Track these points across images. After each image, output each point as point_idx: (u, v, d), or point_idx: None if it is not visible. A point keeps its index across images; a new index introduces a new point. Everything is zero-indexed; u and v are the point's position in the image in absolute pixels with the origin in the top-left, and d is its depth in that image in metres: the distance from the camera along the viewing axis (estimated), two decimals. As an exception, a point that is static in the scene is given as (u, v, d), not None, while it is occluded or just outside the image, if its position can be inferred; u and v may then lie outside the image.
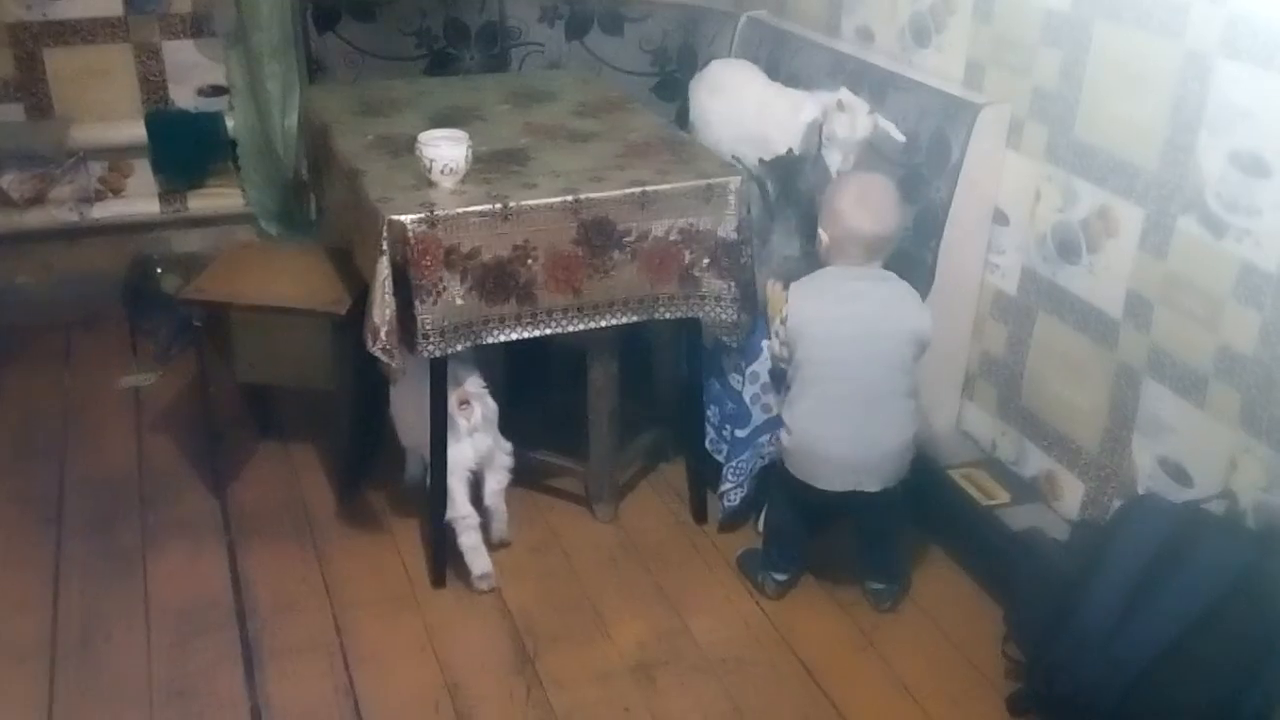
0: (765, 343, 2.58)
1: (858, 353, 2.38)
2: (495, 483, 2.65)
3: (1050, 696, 2.22)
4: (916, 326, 2.41)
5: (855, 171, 2.54)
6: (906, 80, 2.79)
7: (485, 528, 2.64)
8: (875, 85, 2.86)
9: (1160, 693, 2.01)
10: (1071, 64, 2.39)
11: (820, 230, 2.48)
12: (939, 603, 2.58)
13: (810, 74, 2.85)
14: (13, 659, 2.41)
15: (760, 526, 2.73)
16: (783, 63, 3.07)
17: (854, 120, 2.59)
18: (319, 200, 3.22)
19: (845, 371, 2.38)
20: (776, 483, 2.57)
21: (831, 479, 2.41)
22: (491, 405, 2.56)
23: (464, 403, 2.51)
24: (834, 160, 2.61)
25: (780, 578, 2.60)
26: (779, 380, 2.64)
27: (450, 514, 2.56)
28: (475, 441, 2.55)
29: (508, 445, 2.65)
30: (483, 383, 2.55)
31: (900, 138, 2.62)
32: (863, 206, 2.41)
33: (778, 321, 2.47)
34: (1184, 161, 2.15)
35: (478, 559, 2.58)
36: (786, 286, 2.50)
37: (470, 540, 2.58)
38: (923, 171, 2.69)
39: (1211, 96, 2.08)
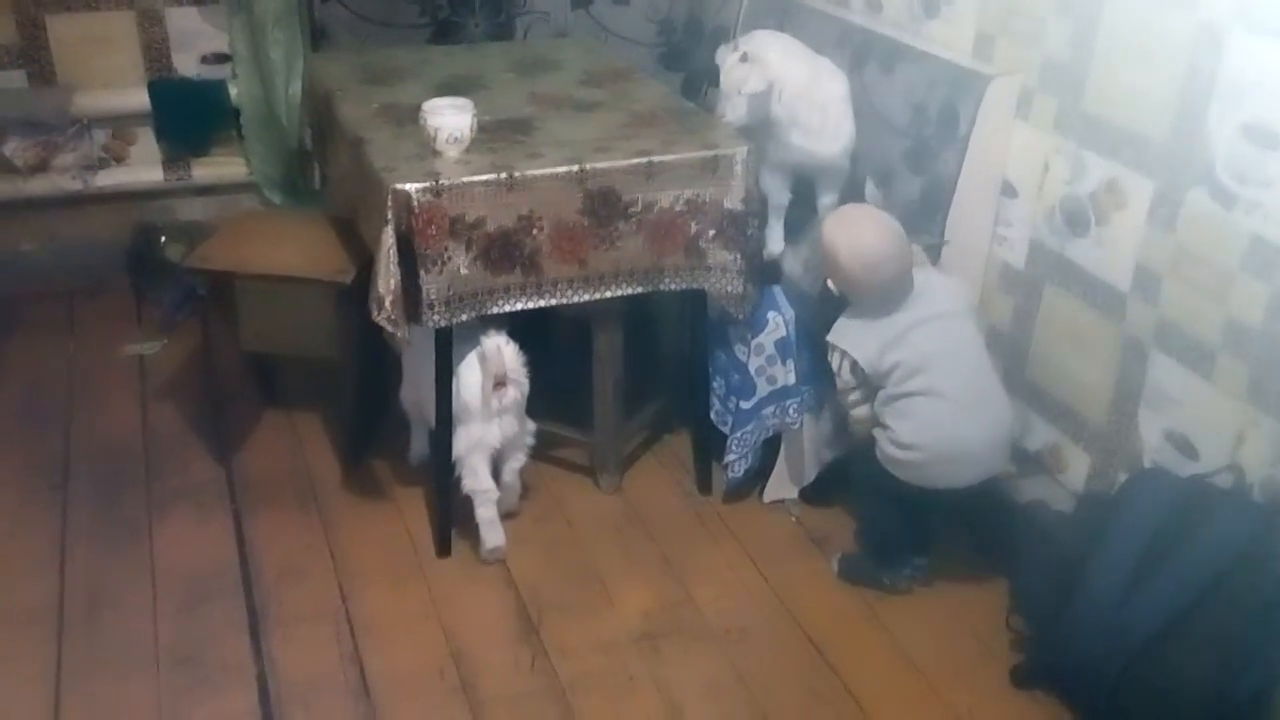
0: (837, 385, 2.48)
1: (945, 347, 2.34)
2: (515, 461, 2.65)
3: (1054, 669, 2.24)
4: (966, 298, 2.43)
5: (842, 217, 2.44)
6: (915, 51, 2.77)
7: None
8: (884, 56, 2.84)
9: (1164, 665, 2.02)
10: (1082, 34, 2.37)
11: (829, 283, 2.42)
12: (943, 575, 2.58)
13: (818, 45, 2.82)
14: (20, 625, 2.42)
15: (858, 536, 2.67)
16: (790, 33, 3.04)
17: (747, 76, 2.53)
18: (323, 169, 3.21)
19: (946, 369, 2.32)
20: (886, 499, 2.45)
21: (968, 474, 2.36)
22: (525, 388, 2.54)
23: (500, 384, 2.50)
24: (721, 107, 2.60)
25: (907, 572, 2.54)
26: (785, 351, 2.64)
27: (470, 486, 2.55)
28: (503, 424, 2.54)
29: (532, 426, 2.65)
30: (524, 365, 2.52)
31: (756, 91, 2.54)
32: (871, 272, 2.32)
33: (846, 375, 2.40)
34: (1194, 133, 2.14)
35: (492, 533, 2.58)
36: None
37: (488, 514, 2.58)
38: (931, 143, 2.67)
39: (1223, 68, 2.06)
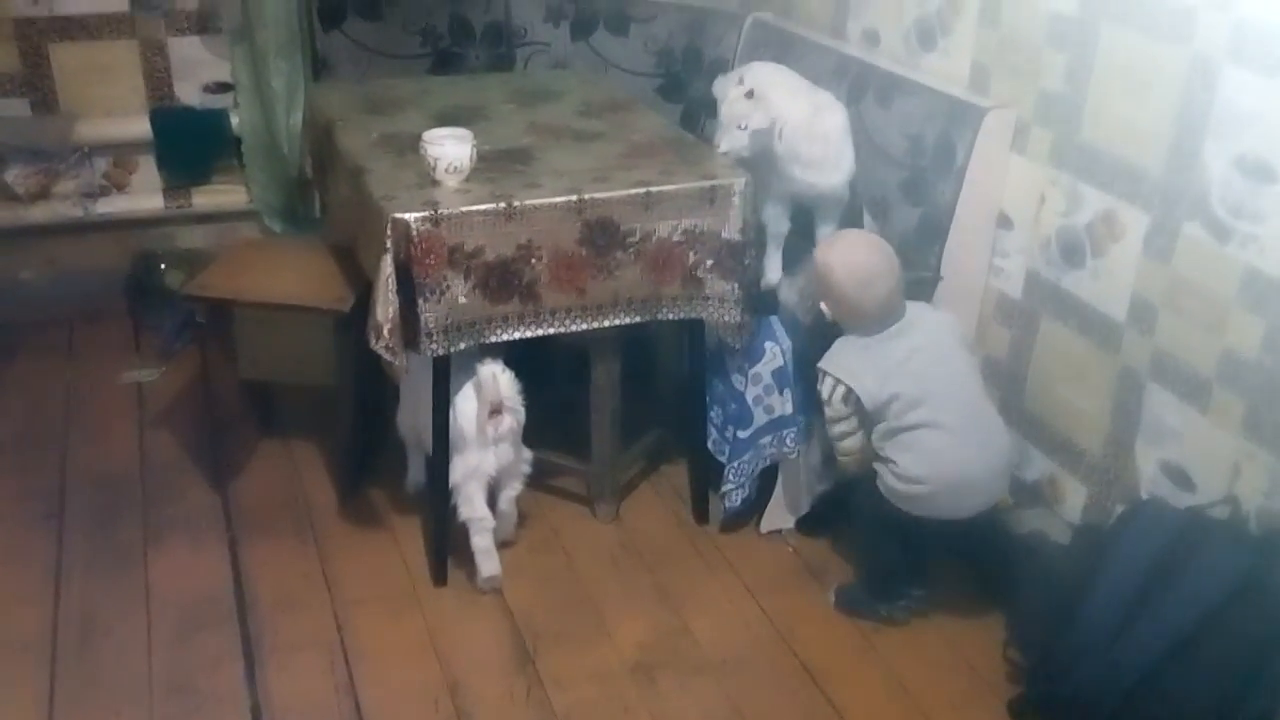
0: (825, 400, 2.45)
1: (942, 376, 2.36)
2: (511, 490, 2.65)
3: (1052, 700, 2.22)
4: (958, 329, 2.46)
5: (836, 240, 2.50)
6: (912, 83, 2.79)
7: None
8: (881, 88, 2.86)
9: (1161, 697, 2.01)
10: (1077, 67, 2.38)
11: (822, 305, 2.44)
12: (940, 606, 2.58)
13: (816, 77, 2.84)
14: (14, 653, 2.41)
15: (862, 566, 2.65)
16: (788, 65, 3.06)
17: (750, 112, 2.55)
18: (323, 198, 3.22)
19: (946, 398, 2.33)
20: (888, 530, 2.44)
21: (974, 503, 2.36)
22: (521, 416, 2.55)
23: (496, 412, 2.50)
24: (719, 137, 2.62)
25: (904, 603, 2.54)
26: (783, 380, 2.65)
27: (466, 515, 2.55)
28: (499, 452, 2.54)
29: (528, 454, 2.65)
30: (520, 393, 2.53)
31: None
32: (865, 289, 2.35)
33: (837, 404, 2.39)
34: (1189, 166, 2.15)
35: (488, 561, 2.58)
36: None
37: (483, 542, 2.57)
38: (927, 175, 2.68)
39: (1217, 101, 2.08)
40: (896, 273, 2.39)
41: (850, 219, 2.77)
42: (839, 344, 2.43)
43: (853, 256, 2.39)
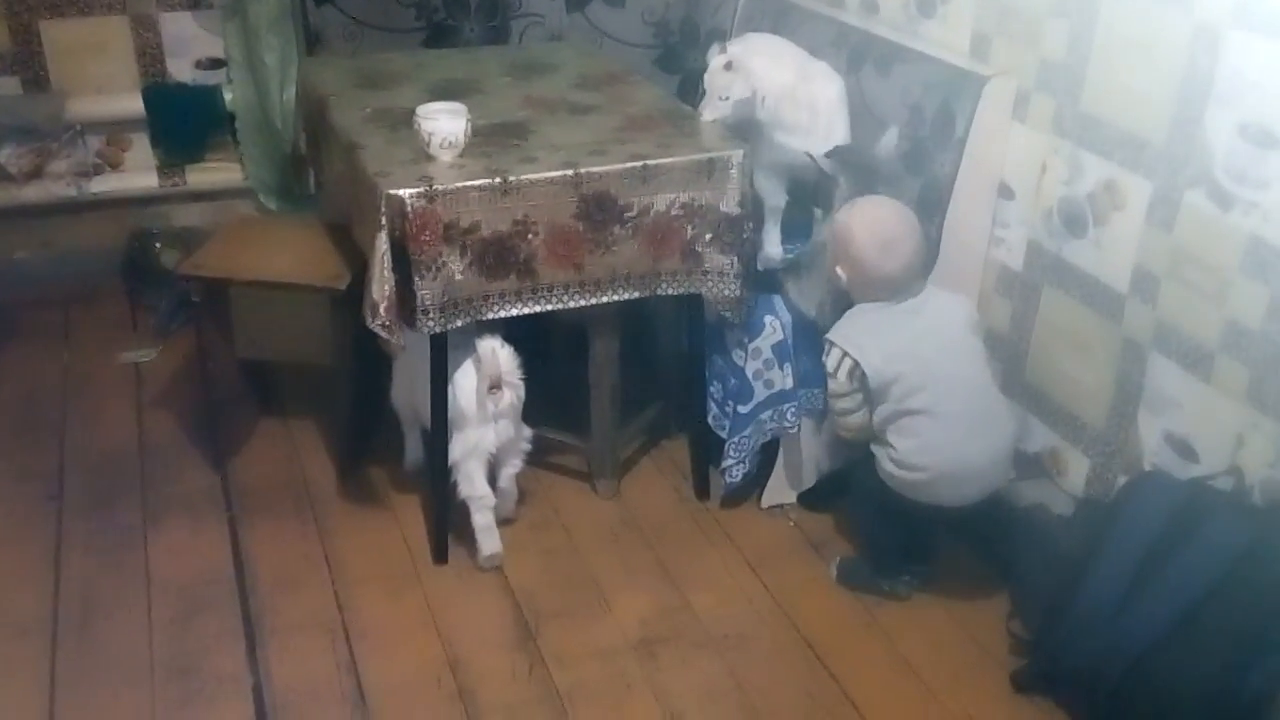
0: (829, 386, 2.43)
1: (949, 361, 2.33)
2: (511, 467, 2.64)
3: (1055, 673, 2.22)
4: (970, 313, 2.44)
5: (859, 203, 2.45)
6: (911, 52, 2.75)
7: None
8: (880, 57, 2.83)
9: (1165, 669, 2.00)
10: (1079, 35, 2.35)
11: (838, 269, 2.41)
12: (943, 579, 2.57)
13: (813, 46, 2.81)
14: (14, 636, 2.40)
15: (861, 542, 2.64)
16: (785, 35, 3.03)
17: (730, 83, 2.56)
18: (318, 174, 3.19)
19: (950, 385, 2.31)
20: (886, 511, 2.43)
21: (974, 491, 2.35)
22: (521, 392, 2.53)
23: (495, 387, 2.48)
24: (702, 106, 2.64)
25: (906, 578, 2.53)
26: (783, 355, 2.63)
27: (466, 493, 2.55)
28: (499, 428, 2.53)
29: (528, 432, 2.64)
30: (519, 367, 2.52)
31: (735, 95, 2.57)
32: (886, 252, 2.33)
33: (842, 379, 2.36)
34: (1192, 134, 2.12)
35: (489, 539, 2.57)
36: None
37: (484, 520, 2.57)
38: (927, 144, 2.66)
39: (1221, 68, 2.05)
40: (918, 237, 2.36)
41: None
42: (849, 315, 2.40)
43: (876, 215, 2.37)
